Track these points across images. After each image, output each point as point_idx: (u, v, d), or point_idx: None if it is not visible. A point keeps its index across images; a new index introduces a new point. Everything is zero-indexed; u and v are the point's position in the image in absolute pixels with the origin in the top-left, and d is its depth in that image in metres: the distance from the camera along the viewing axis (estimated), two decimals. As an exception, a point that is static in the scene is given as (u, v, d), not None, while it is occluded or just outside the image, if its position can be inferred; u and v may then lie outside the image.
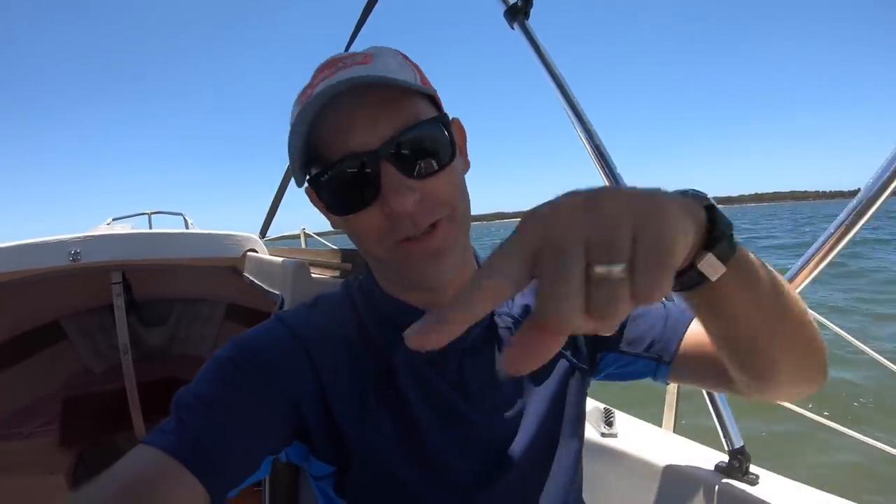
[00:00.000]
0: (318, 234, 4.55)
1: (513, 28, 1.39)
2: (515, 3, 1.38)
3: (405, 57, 0.66)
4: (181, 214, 6.20)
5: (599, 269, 0.28)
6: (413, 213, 0.58)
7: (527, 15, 1.38)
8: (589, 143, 1.30)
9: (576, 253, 0.28)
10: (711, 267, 0.43)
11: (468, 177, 0.67)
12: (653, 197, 0.31)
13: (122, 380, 2.62)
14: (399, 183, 0.57)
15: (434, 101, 0.65)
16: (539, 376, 0.73)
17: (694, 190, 0.45)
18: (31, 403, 2.88)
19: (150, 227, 5.87)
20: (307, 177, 0.62)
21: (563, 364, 0.75)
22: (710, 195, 0.45)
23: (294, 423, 0.63)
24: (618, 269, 0.28)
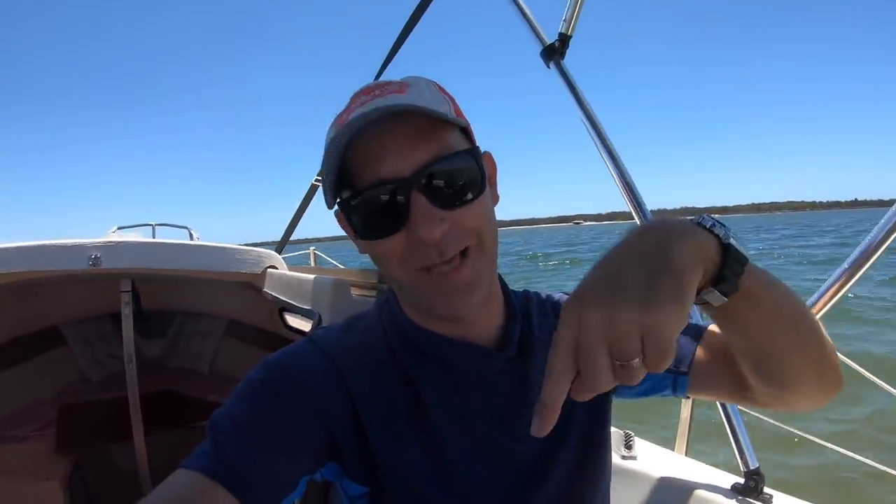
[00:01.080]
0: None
1: (549, 67, 1.48)
2: (552, 44, 1.47)
3: (440, 88, 0.66)
4: (186, 228, 6.14)
5: (621, 363, 0.43)
6: (439, 243, 0.59)
7: (563, 55, 1.47)
8: (620, 179, 1.38)
9: (601, 353, 0.43)
10: (716, 299, 0.53)
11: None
12: (655, 306, 0.43)
13: (119, 389, 2.57)
14: (429, 213, 0.58)
15: (467, 133, 0.66)
16: (567, 403, 0.75)
17: (720, 224, 0.53)
18: (26, 407, 2.82)
19: (154, 238, 5.82)
20: (338, 199, 0.63)
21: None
22: (705, 211, 0.57)
23: (328, 444, 0.64)
24: (635, 362, 0.43)
